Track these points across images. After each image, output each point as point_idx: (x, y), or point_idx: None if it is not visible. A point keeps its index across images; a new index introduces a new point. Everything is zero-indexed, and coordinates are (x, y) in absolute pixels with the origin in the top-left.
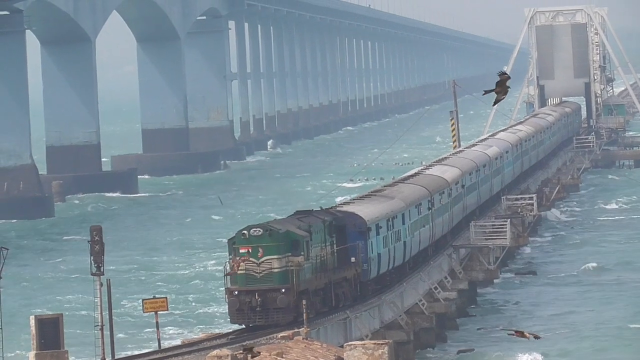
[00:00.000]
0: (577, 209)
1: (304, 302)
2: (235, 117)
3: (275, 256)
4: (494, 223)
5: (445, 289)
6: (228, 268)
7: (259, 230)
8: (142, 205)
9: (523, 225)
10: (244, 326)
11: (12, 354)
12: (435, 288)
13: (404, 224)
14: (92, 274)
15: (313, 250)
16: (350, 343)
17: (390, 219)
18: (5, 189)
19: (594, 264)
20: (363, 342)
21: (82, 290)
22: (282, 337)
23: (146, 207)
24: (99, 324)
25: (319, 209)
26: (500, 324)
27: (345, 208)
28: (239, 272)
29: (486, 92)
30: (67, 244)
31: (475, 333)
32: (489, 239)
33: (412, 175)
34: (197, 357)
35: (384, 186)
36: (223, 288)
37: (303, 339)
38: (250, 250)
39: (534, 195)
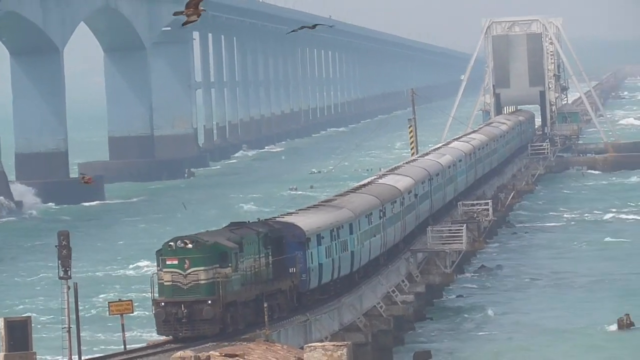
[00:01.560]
0: (531, 214)
1: (265, 305)
2: (200, 125)
3: (202, 268)
4: (450, 228)
5: (403, 292)
6: (156, 279)
7: (186, 242)
8: (109, 211)
9: (479, 230)
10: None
11: None
12: (393, 291)
13: (351, 233)
14: (60, 278)
15: (245, 262)
16: (310, 345)
17: (335, 229)
18: None
19: (551, 266)
20: (323, 343)
21: (51, 293)
22: (244, 339)
23: (113, 213)
24: (66, 326)
25: (257, 220)
26: (456, 327)
27: (285, 219)
28: (165, 283)
29: (176, 13)
30: (36, 246)
31: (432, 335)
32: (446, 243)
33: (364, 185)
34: (161, 358)
35: (335, 196)
36: None
37: (264, 340)
38: (177, 261)
39: (489, 200)
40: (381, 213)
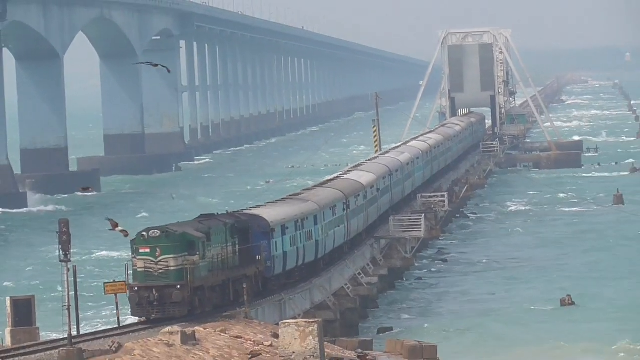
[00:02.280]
0: (483, 205)
1: (244, 286)
2: (186, 124)
3: (172, 255)
4: (410, 217)
5: (368, 274)
6: (131, 266)
7: (157, 232)
8: (104, 201)
9: (436, 219)
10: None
11: None
12: (359, 274)
13: (316, 224)
14: (60, 261)
15: (212, 250)
16: (284, 321)
17: (300, 220)
18: None
19: (501, 252)
20: (296, 320)
21: (52, 275)
22: (225, 316)
23: (108, 203)
24: (66, 304)
25: (226, 212)
26: (415, 305)
27: (252, 211)
28: (139, 269)
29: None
30: (39, 232)
31: (393, 313)
32: (406, 231)
33: (331, 180)
34: (152, 333)
35: (303, 190)
36: None
37: (243, 317)
38: (149, 250)
39: (445, 193)
40: (345, 206)
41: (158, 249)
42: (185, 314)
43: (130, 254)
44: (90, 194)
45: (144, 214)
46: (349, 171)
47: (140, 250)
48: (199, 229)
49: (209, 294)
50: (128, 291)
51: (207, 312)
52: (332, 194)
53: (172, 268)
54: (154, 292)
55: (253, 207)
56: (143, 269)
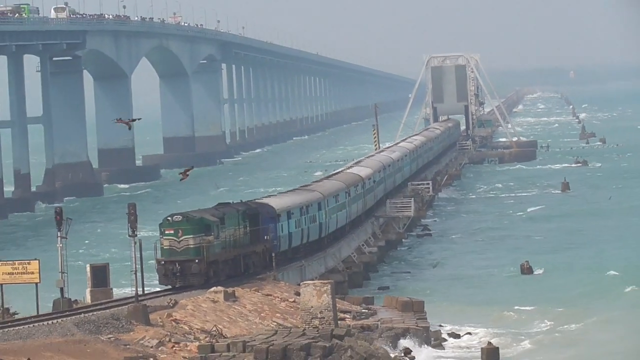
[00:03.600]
0: (460, 191)
1: (273, 255)
2: (227, 129)
3: (191, 236)
4: (402, 200)
5: (370, 245)
6: (159, 245)
7: (179, 217)
8: (164, 189)
9: (422, 202)
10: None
11: (74, 291)
12: (363, 245)
13: (320, 209)
14: (129, 236)
15: (226, 231)
16: (304, 282)
17: (305, 207)
18: (70, 177)
19: (473, 228)
20: (313, 281)
21: (123, 247)
22: (258, 279)
23: (167, 190)
24: (134, 270)
25: (240, 201)
26: (406, 270)
27: (262, 200)
28: (164, 247)
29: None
30: (112, 214)
31: (390, 275)
32: (399, 211)
33: (336, 173)
34: (200, 292)
35: (313, 182)
36: None
37: (272, 279)
38: (172, 231)
39: (430, 181)
40: (346, 194)
41: (180, 231)
42: (202, 283)
43: (159, 234)
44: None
45: (195, 197)
46: (351, 166)
47: (166, 232)
48: (215, 214)
49: (222, 266)
50: (156, 265)
51: (244, 275)
52: (336, 184)
53: (191, 246)
54: (177, 265)
55: (265, 197)
56: (168, 247)
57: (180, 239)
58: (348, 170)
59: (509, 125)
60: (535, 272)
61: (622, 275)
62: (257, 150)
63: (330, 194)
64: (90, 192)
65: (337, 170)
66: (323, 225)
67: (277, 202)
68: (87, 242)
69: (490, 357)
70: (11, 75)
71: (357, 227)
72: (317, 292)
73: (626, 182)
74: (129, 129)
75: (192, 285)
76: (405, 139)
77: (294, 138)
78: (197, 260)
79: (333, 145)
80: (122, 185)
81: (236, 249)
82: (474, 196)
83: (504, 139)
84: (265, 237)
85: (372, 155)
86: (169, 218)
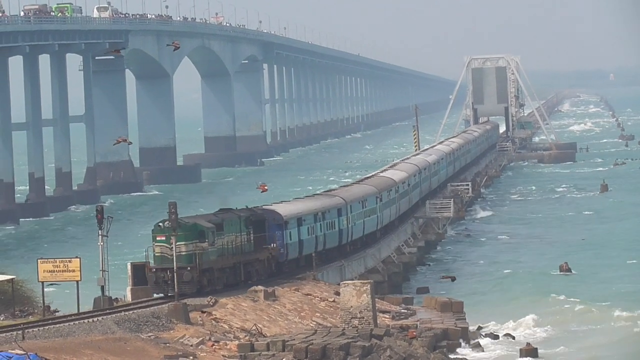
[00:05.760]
0: (499, 192)
1: (313, 255)
2: (267, 129)
3: (183, 242)
4: (442, 201)
5: (409, 245)
6: (151, 252)
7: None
8: (203, 188)
9: (462, 202)
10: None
11: (115, 289)
12: (402, 245)
13: (340, 215)
14: (170, 235)
15: (225, 238)
16: (344, 282)
17: (321, 213)
18: (111, 176)
19: (512, 228)
20: (353, 281)
21: None
22: (298, 278)
23: (208, 190)
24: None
25: (245, 207)
26: (443, 271)
27: (270, 207)
28: (156, 254)
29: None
30: (154, 213)
31: (429, 276)
32: (439, 212)
33: (369, 177)
34: (241, 291)
35: (341, 187)
36: None
37: (312, 279)
38: (164, 238)
39: (469, 182)
40: (378, 199)
41: (172, 237)
42: (194, 291)
43: (152, 240)
44: (265, 191)
45: (237, 197)
46: (385, 170)
47: (158, 238)
48: (212, 220)
49: (218, 274)
50: (147, 272)
51: (246, 284)
52: (364, 189)
53: (183, 253)
54: (168, 273)
55: (275, 203)
56: (160, 254)
57: (172, 245)
58: (382, 174)
59: (549, 127)
60: (574, 273)
61: None
62: (298, 150)
63: (355, 199)
64: (131, 189)
65: (370, 174)
66: (344, 231)
67: (286, 209)
68: (126, 241)
69: (530, 357)
70: (54, 74)
71: (390, 233)
72: (356, 292)
73: None
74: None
75: (185, 294)
76: (443, 141)
77: (334, 138)
78: (189, 268)
79: (373, 146)
80: (163, 185)
81: (236, 257)
82: (512, 197)
83: (543, 137)
84: (272, 244)
85: (408, 159)
86: (161, 224)
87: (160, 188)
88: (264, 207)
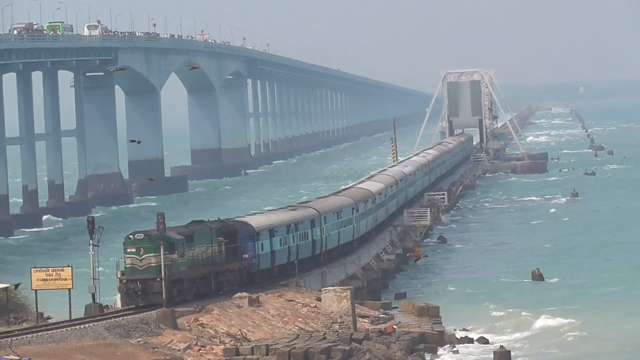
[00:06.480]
0: (473, 200)
1: (295, 261)
2: (251, 141)
3: (153, 254)
4: (419, 210)
5: (388, 253)
6: (121, 263)
7: (141, 235)
8: (190, 199)
9: (438, 211)
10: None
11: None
12: (381, 252)
13: (314, 227)
14: (160, 244)
15: (196, 249)
16: (325, 288)
17: (293, 224)
18: (102, 188)
19: (486, 235)
20: (334, 287)
21: None
22: (281, 285)
23: (194, 200)
24: (163, 277)
25: (217, 219)
26: (422, 276)
27: (242, 219)
28: (127, 265)
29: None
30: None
31: (407, 282)
32: (416, 220)
33: (346, 189)
34: (226, 298)
35: (317, 198)
36: None
37: (295, 285)
38: (134, 249)
39: (445, 192)
40: (354, 210)
41: (142, 249)
42: (163, 302)
43: (123, 252)
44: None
45: (222, 207)
46: (362, 181)
47: (128, 250)
48: (182, 232)
49: (187, 285)
50: (118, 283)
51: (217, 294)
52: (340, 200)
53: (153, 264)
54: (138, 284)
55: (249, 215)
56: (130, 265)
57: (142, 257)
58: (359, 186)
59: (521, 139)
60: (545, 279)
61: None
62: (281, 162)
63: (330, 210)
64: (121, 201)
65: (348, 185)
66: (317, 242)
67: (257, 221)
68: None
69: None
70: (46, 90)
71: (370, 241)
72: (337, 297)
73: (634, 192)
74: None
75: (154, 305)
76: (419, 153)
77: (317, 150)
78: (158, 279)
79: (352, 158)
80: (150, 196)
81: (206, 267)
82: (486, 205)
83: (515, 152)
84: (244, 255)
85: (385, 170)
86: (131, 236)
87: (159, 199)
88: (236, 218)
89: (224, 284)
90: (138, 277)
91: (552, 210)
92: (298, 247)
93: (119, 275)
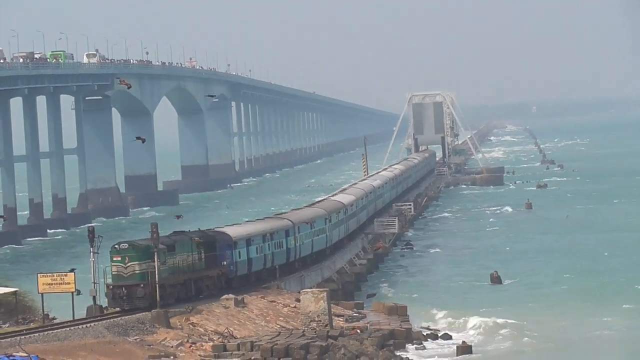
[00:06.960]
0: (437, 210)
1: (276, 267)
2: (236, 158)
3: (137, 262)
4: (388, 219)
5: (360, 258)
6: (108, 270)
7: (126, 245)
8: (181, 210)
9: (405, 220)
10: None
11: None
12: (354, 257)
13: (288, 236)
14: (151, 252)
15: (177, 258)
16: (304, 290)
17: (269, 234)
18: (101, 201)
19: (449, 242)
20: (312, 289)
21: None
22: (264, 288)
23: (186, 212)
24: (157, 282)
25: (198, 229)
26: (391, 278)
27: (221, 229)
28: (113, 273)
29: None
30: (139, 232)
31: (378, 284)
32: (385, 228)
33: (320, 201)
34: (214, 300)
35: (292, 210)
36: None
37: (276, 287)
38: (120, 258)
39: (411, 202)
40: (327, 220)
41: (127, 257)
42: (147, 305)
43: (110, 260)
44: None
45: (211, 218)
46: (335, 194)
47: (114, 259)
48: (164, 242)
49: (169, 290)
50: (106, 289)
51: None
52: (313, 212)
53: (137, 271)
54: (124, 290)
55: (227, 226)
56: (116, 273)
57: (127, 265)
58: (332, 198)
59: (480, 154)
60: (503, 281)
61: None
62: (263, 176)
63: (303, 220)
64: (118, 213)
65: (322, 198)
66: (292, 250)
67: (235, 231)
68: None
69: (464, 354)
70: (49, 113)
71: (343, 248)
72: (315, 298)
73: (582, 202)
74: (143, 142)
75: (139, 308)
76: (387, 168)
77: (295, 166)
78: (142, 285)
79: (327, 173)
80: (145, 208)
81: (187, 274)
82: (449, 215)
83: (475, 166)
84: (223, 262)
85: (356, 184)
86: (117, 246)
87: (160, 209)
88: (215, 229)
89: (204, 289)
90: (123, 283)
91: (509, 219)
92: (273, 254)
93: (105, 282)
